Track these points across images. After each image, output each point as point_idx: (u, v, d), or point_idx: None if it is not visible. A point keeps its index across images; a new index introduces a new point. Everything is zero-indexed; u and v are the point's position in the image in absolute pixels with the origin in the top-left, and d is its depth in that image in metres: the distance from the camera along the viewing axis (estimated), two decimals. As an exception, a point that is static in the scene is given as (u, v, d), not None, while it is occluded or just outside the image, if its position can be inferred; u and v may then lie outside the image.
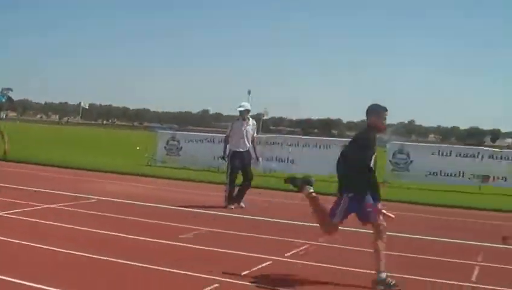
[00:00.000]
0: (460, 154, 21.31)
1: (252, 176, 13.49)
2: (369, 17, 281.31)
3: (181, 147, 24.88)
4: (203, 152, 23.89)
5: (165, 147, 25.19)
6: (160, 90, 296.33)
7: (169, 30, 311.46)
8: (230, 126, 13.61)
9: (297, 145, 23.11)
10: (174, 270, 6.91)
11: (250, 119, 13.63)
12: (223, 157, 13.61)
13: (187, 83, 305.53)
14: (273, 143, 23.02)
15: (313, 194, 7.35)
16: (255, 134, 13.75)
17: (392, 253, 8.86)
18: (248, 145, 13.42)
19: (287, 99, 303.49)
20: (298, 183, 7.51)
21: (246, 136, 13.37)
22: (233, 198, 13.12)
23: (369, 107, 7.26)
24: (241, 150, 13.31)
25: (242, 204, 13.09)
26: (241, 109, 13.51)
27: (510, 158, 20.55)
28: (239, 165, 13.29)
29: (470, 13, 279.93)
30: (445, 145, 27.79)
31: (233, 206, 12.88)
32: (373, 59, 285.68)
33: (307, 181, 7.47)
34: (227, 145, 13.48)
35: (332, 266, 7.75)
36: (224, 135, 14.41)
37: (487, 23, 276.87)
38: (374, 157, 7.01)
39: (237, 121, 13.53)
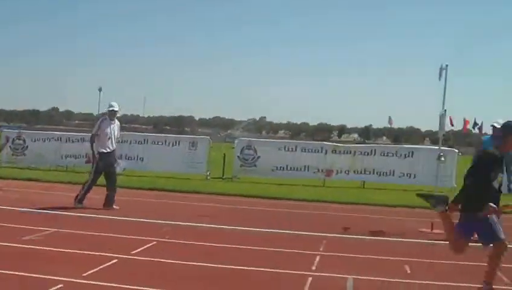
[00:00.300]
0: (305, 150, 22.16)
1: (115, 179, 13.31)
2: (219, 12, 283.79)
3: (27, 146, 24.05)
4: (50, 151, 23.38)
5: (10, 147, 24.31)
6: (5, 88, 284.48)
7: (13, 22, 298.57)
8: (98, 125, 13.26)
9: (146, 142, 23.10)
10: (18, 273, 6.78)
11: (116, 120, 13.46)
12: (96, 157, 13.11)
13: (35, 79, 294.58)
14: (122, 141, 22.78)
15: (447, 213, 6.90)
16: (119, 135, 13.64)
17: (241, 247, 9.18)
18: (114, 146, 13.26)
19: (139, 97, 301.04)
20: (432, 201, 7.00)
21: (113, 136, 13.21)
22: (104, 204, 12.88)
23: (509, 126, 6.76)
24: (108, 150, 13.09)
25: (115, 206, 12.91)
26: (114, 108, 13.28)
27: (351, 152, 21.61)
28: (103, 166, 13.04)
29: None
30: (291, 141, 28.76)
31: (81, 205, 12.71)
32: (226, 52, 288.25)
33: (442, 200, 6.95)
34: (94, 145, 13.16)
35: (177, 262, 7.90)
36: (90, 134, 13.99)
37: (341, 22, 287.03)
38: (501, 178, 6.70)
39: (105, 120, 13.26)
